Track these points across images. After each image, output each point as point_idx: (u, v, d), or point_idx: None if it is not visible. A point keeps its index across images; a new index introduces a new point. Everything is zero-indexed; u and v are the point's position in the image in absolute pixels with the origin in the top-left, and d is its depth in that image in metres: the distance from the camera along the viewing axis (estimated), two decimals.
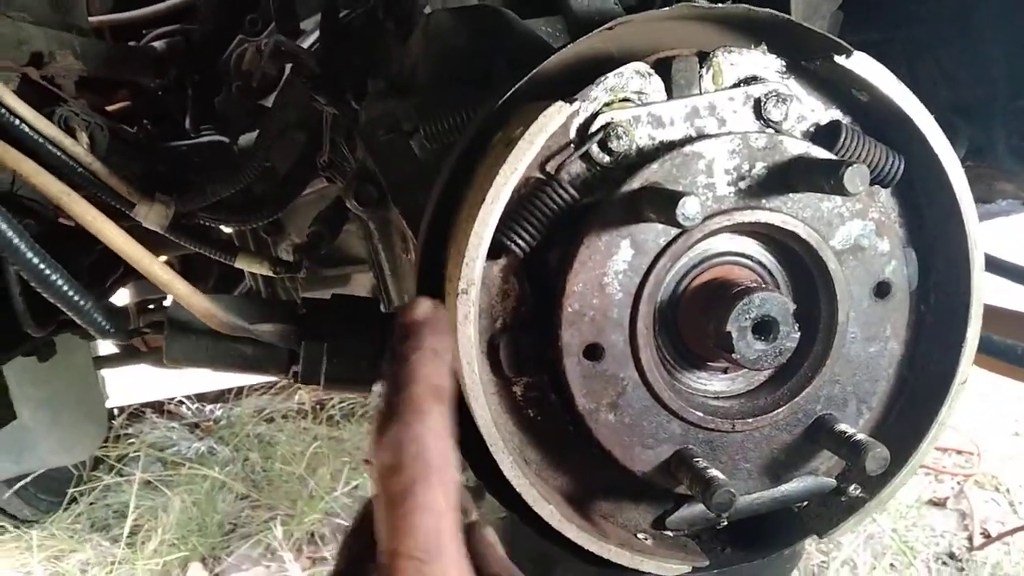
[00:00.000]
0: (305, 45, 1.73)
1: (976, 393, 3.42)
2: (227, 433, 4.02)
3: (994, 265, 1.79)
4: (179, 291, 0.94)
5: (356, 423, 3.96)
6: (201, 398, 4.43)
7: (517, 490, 0.85)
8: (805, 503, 0.98)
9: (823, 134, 0.90)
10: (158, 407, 4.35)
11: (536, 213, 0.84)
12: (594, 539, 0.87)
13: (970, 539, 2.91)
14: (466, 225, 0.82)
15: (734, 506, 0.80)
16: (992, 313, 1.94)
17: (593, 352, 0.84)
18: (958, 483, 3.25)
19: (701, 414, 0.87)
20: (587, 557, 0.90)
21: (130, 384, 4.07)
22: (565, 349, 0.84)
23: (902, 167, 0.90)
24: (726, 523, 0.95)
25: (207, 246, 1.46)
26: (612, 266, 0.83)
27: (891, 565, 2.76)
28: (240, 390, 4.40)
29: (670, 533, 0.94)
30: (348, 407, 4.09)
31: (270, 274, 1.49)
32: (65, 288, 0.93)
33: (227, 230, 2.22)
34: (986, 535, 2.92)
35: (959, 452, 3.44)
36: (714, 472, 0.82)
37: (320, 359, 0.97)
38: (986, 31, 1.80)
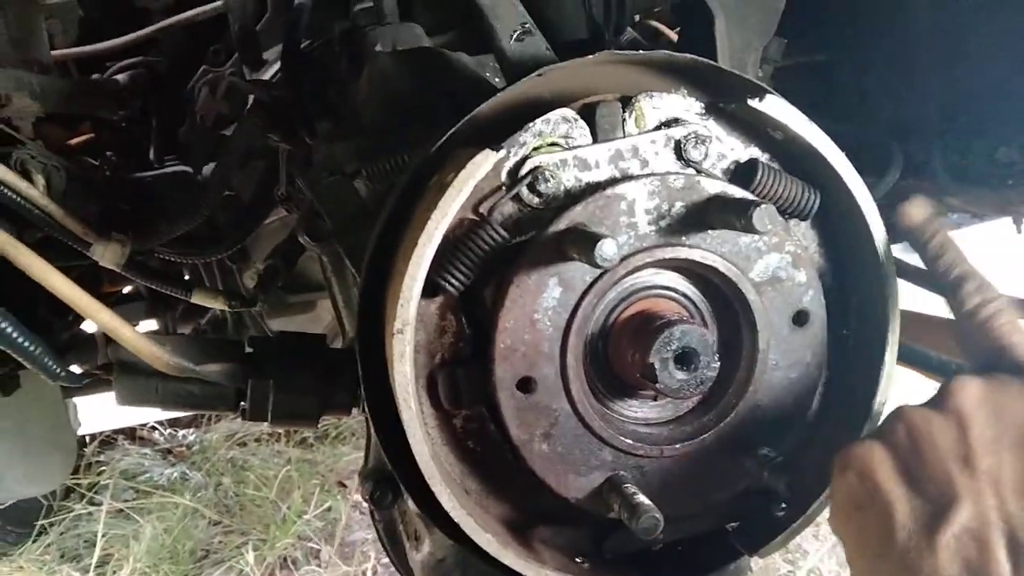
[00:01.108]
0: (267, 75, 1.76)
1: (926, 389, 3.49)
2: (200, 458, 4.00)
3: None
4: (125, 336, 0.97)
5: (330, 445, 3.97)
6: (174, 423, 4.40)
7: (456, 521, 0.88)
8: (737, 523, 1.02)
9: (742, 172, 0.95)
10: (130, 433, 4.32)
11: (469, 253, 0.88)
12: (532, 565, 0.91)
13: None
14: (402, 266, 0.86)
15: (660, 530, 0.84)
16: (932, 323, 2.00)
17: (526, 385, 0.88)
18: None
19: (631, 441, 0.91)
20: None
21: (101, 411, 4.04)
22: (499, 383, 0.88)
23: (818, 201, 0.95)
24: (662, 545, 0.99)
25: (163, 282, 1.48)
26: (542, 303, 0.87)
27: None
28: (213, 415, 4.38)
29: (609, 556, 0.98)
30: (322, 429, 4.09)
31: (226, 308, 1.51)
32: (13, 334, 0.96)
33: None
34: None
35: None
36: (641, 498, 0.85)
37: (267, 396, 1.00)
38: (920, 51, 1.87)
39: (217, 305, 1.51)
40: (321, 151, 1.10)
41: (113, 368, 1.02)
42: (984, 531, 0.72)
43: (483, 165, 0.84)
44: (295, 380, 1.03)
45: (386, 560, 3.15)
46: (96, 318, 0.99)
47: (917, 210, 0.97)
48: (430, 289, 0.88)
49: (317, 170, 1.07)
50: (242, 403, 1.04)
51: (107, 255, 1.30)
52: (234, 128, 1.57)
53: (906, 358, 1.46)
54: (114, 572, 3.31)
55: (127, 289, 2.57)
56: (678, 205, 0.89)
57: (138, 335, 0.97)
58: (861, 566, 0.80)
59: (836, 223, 1.00)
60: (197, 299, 1.48)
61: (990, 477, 0.74)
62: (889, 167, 1.67)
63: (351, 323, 1.34)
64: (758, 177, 0.93)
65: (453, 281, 0.87)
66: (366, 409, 0.95)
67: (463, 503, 0.89)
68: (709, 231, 0.90)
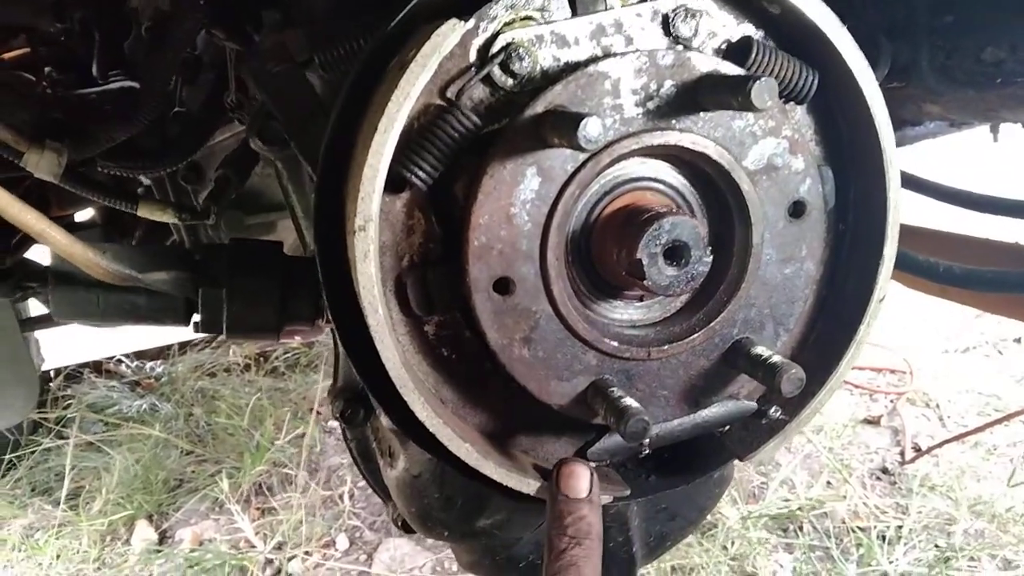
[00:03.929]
0: None
1: (908, 314, 3.53)
2: (168, 389, 3.93)
3: (919, 185, 1.80)
4: (56, 241, 0.87)
5: (301, 373, 3.91)
6: (141, 355, 4.32)
7: (431, 431, 0.82)
8: (727, 427, 0.97)
9: (735, 50, 0.86)
10: (96, 367, 4.23)
11: (437, 142, 0.79)
12: (513, 475, 0.86)
13: (902, 454, 3.03)
14: (361, 157, 0.77)
15: (648, 434, 0.79)
16: (919, 234, 1.97)
17: (503, 286, 0.81)
18: (891, 401, 3.36)
19: (616, 344, 0.85)
20: (511, 493, 0.89)
21: (66, 344, 3.94)
22: (473, 284, 0.81)
23: (816, 82, 0.88)
24: (648, 451, 0.94)
25: (106, 194, 1.37)
26: (519, 195, 0.80)
27: (828, 483, 2.86)
28: (182, 345, 4.30)
29: (592, 464, 0.93)
30: (292, 357, 4.04)
31: (176, 221, 1.42)
32: None
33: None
34: (917, 449, 3.04)
35: (892, 372, 3.55)
36: (628, 401, 0.80)
37: (220, 305, 0.92)
38: None
39: (166, 218, 1.41)
40: (269, 40, 0.99)
41: (48, 279, 0.92)
42: None
43: (449, 37, 0.75)
44: (250, 288, 0.95)
45: (362, 483, 3.14)
46: (21, 220, 0.88)
47: (584, 482, 0.81)
48: (395, 184, 0.80)
49: (264, 60, 0.96)
50: (194, 316, 0.95)
51: (42, 164, 1.19)
52: (172, 27, 1.43)
53: (910, 267, 1.43)
54: (87, 503, 3.27)
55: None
56: (667, 84, 0.80)
57: (72, 239, 0.88)
58: None
59: (835, 109, 0.92)
60: (143, 211, 1.38)
61: None
62: (877, 61, 1.60)
63: (311, 234, 1.25)
64: (753, 55, 0.84)
65: (420, 174, 0.79)
66: (330, 317, 0.87)
67: (439, 412, 0.83)
68: (701, 113, 0.82)
